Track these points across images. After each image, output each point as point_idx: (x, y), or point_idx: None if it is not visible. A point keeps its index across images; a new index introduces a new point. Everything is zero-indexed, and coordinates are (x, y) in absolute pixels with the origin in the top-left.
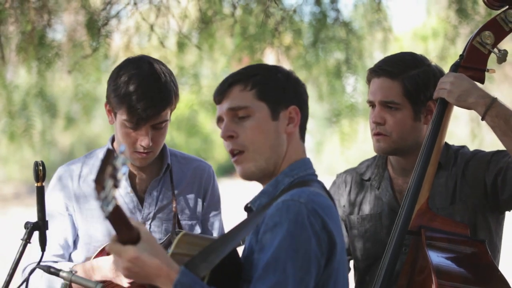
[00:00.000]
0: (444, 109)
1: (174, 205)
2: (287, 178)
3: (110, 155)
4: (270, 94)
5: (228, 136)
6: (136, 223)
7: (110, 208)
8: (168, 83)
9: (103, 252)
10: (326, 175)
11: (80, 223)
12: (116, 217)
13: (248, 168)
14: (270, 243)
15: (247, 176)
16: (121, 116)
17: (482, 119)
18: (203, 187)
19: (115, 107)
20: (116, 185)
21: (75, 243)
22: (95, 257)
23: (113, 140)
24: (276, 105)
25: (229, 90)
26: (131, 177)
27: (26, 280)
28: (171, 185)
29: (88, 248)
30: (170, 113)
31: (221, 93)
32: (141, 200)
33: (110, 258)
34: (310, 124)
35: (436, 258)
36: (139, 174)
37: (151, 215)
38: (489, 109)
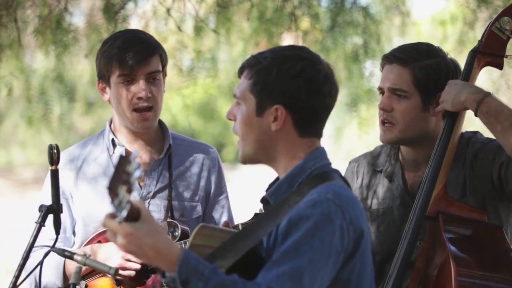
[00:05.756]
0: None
1: (168, 194)
2: (304, 170)
3: (123, 162)
4: (259, 89)
5: (228, 119)
6: (138, 202)
7: (124, 213)
8: (153, 38)
9: (93, 240)
10: (346, 161)
11: (77, 205)
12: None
13: (241, 153)
14: (295, 233)
15: (241, 161)
16: (114, 76)
17: (475, 115)
18: (207, 170)
19: (107, 71)
20: (130, 190)
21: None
22: (87, 244)
23: (110, 122)
24: (263, 101)
25: (242, 73)
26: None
27: (40, 264)
28: (169, 171)
29: (87, 230)
30: (163, 69)
31: (238, 74)
32: (138, 179)
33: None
34: None
35: (454, 244)
36: (139, 152)
37: (151, 194)
38: (480, 105)
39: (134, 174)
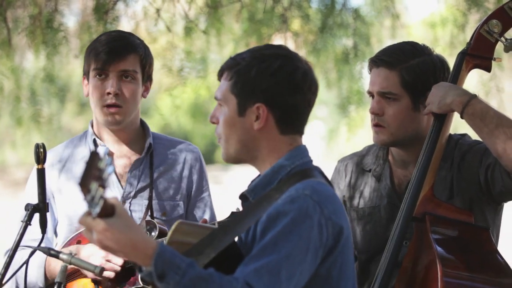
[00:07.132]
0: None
1: (149, 194)
2: (284, 167)
3: (94, 158)
4: (240, 89)
5: (212, 122)
6: (112, 199)
7: (98, 209)
8: (136, 38)
9: (73, 240)
10: None
11: (62, 206)
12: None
13: (223, 153)
14: (273, 229)
15: (225, 160)
16: (91, 70)
17: (461, 117)
18: (189, 169)
19: (87, 65)
20: (103, 186)
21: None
22: (66, 244)
23: (92, 123)
24: (244, 100)
25: (222, 75)
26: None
27: (26, 262)
28: (150, 171)
29: (72, 230)
30: (143, 71)
31: (218, 77)
32: (119, 178)
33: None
34: (324, 112)
35: (441, 245)
36: (118, 152)
37: (132, 194)
38: (466, 107)
39: (106, 170)
